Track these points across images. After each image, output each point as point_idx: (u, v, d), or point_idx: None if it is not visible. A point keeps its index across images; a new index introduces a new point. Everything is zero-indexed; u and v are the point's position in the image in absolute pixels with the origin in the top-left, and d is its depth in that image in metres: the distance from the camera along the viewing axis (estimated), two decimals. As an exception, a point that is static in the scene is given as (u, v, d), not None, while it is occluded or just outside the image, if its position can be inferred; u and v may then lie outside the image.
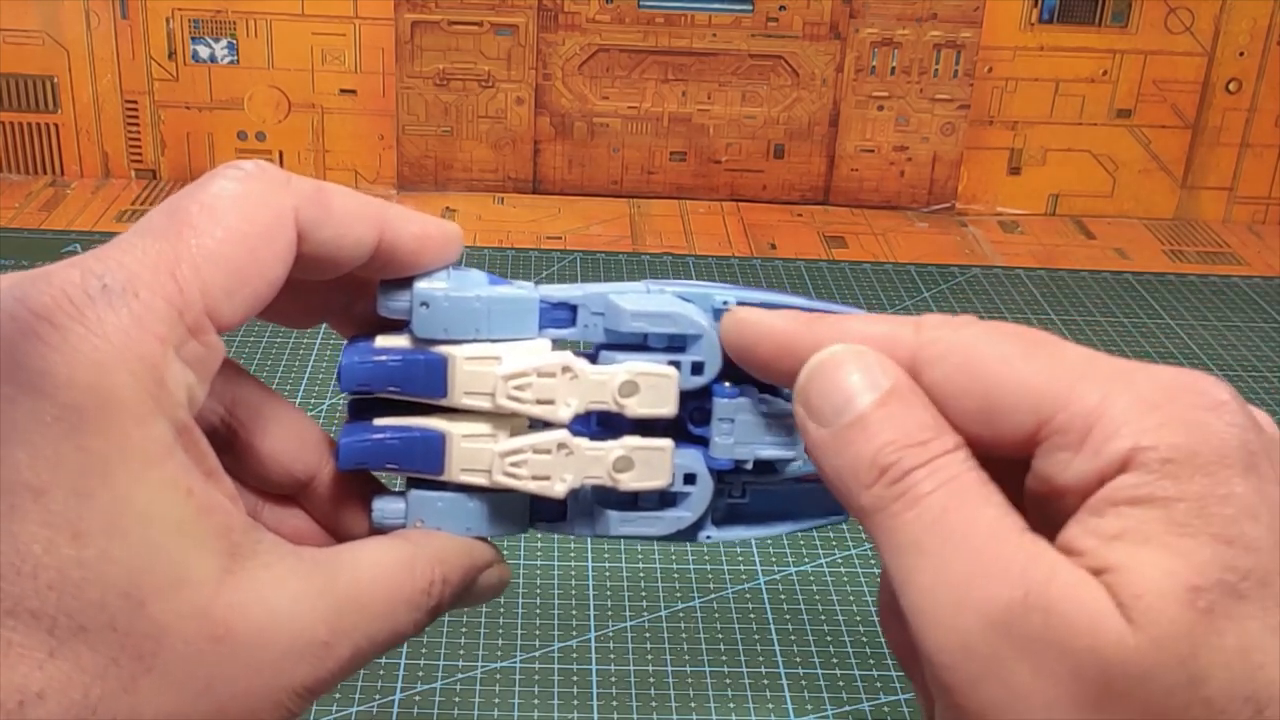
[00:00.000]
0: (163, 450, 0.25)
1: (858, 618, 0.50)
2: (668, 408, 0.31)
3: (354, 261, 0.30)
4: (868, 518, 0.27)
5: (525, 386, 0.30)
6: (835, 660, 0.48)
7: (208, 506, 0.26)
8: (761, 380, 0.31)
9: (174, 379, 0.25)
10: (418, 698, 0.45)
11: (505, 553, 0.55)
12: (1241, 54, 0.94)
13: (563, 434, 0.30)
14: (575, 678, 0.46)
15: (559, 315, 0.31)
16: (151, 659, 0.25)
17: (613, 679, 0.46)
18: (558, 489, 0.30)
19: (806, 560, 0.54)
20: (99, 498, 0.24)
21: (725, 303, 0.31)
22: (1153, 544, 0.24)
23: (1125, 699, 0.24)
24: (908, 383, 0.28)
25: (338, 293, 0.32)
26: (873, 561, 0.53)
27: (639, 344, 0.31)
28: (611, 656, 0.48)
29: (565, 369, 0.30)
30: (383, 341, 0.31)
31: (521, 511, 0.32)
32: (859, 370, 0.28)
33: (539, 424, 0.31)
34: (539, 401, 0.30)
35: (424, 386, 0.30)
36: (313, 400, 0.64)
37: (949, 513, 0.26)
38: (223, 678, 0.26)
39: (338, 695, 0.45)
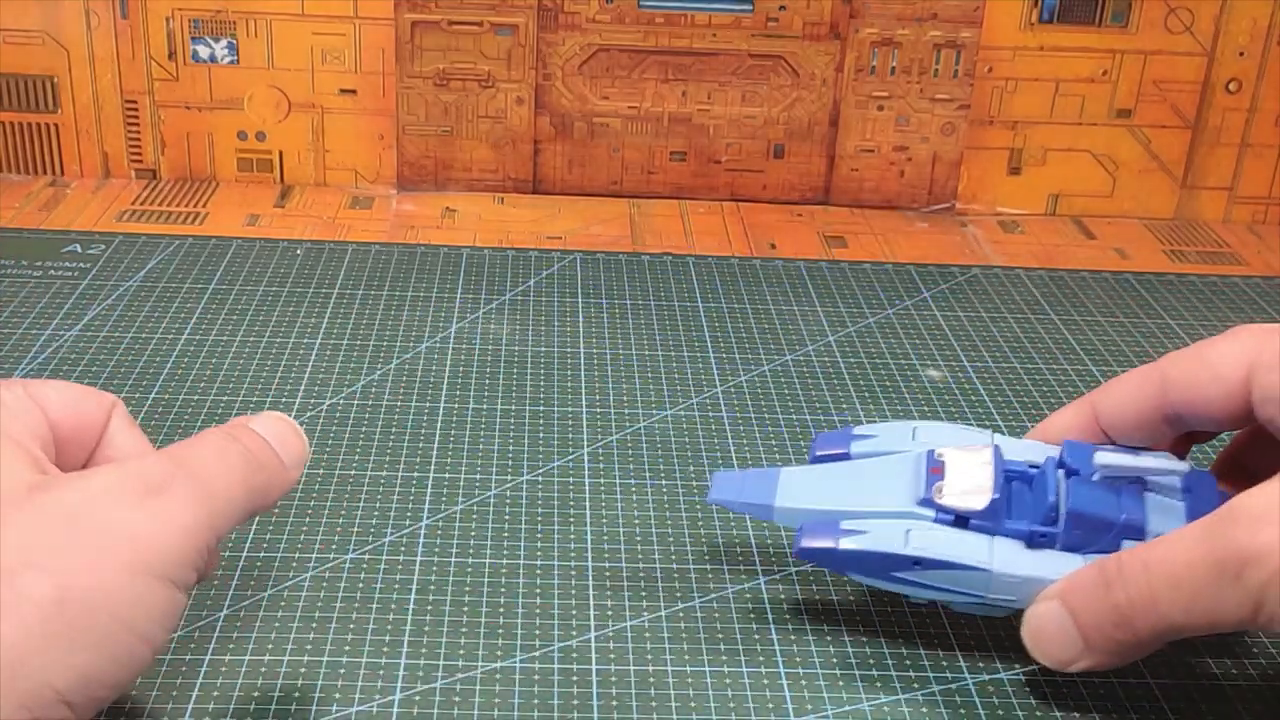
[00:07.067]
0: None
1: (857, 618, 0.50)
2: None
3: None
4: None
5: None
6: (835, 660, 0.48)
7: None
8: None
9: None
10: (418, 698, 0.45)
11: (506, 552, 0.55)
12: (1241, 54, 0.94)
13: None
14: (575, 678, 0.46)
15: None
16: None
17: (613, 679, 0.46)
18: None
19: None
20: None
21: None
22: None
23: None
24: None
25: None
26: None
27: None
28: (611, 656, 0.48)
29: None
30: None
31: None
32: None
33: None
34: None
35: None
36: (311, 400, 0.64)
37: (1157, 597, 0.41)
38: None
39: (338, 695, 0.45)
